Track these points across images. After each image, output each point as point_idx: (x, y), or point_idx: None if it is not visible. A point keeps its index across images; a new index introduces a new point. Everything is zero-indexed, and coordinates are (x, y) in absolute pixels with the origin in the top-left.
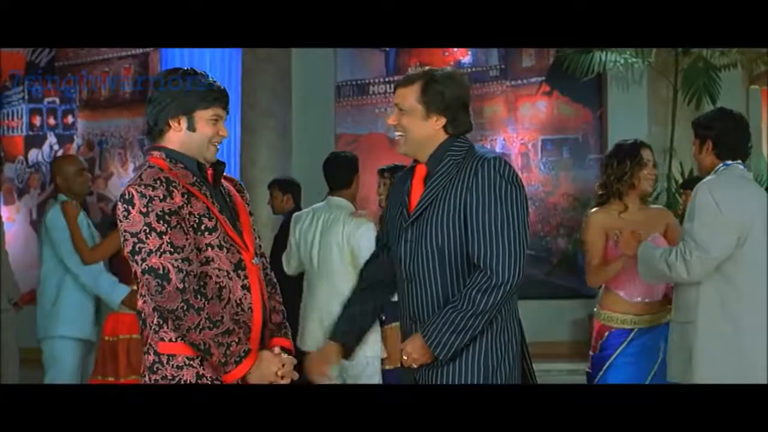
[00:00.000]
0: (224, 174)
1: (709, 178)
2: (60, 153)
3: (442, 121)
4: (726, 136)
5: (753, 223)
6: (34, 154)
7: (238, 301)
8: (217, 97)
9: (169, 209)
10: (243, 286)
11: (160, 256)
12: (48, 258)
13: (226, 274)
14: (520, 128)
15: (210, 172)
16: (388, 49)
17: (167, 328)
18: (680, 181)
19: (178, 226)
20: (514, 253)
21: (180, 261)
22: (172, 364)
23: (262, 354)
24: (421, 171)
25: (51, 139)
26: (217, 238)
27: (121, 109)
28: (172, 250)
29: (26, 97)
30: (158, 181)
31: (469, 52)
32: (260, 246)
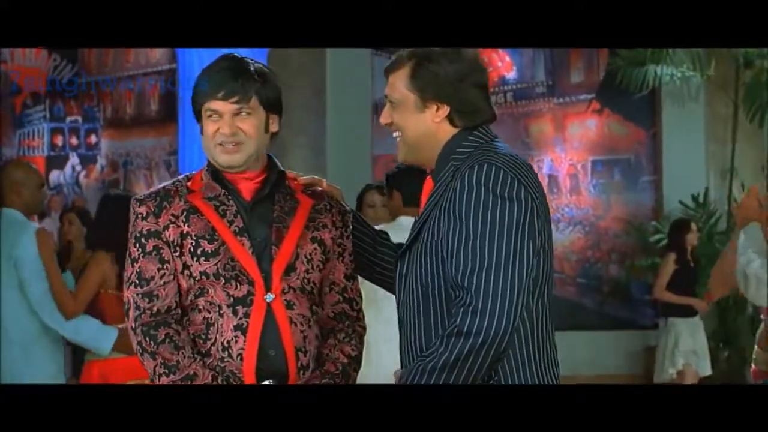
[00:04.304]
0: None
1: None
2: (83, 174)
3: (444, 110)
4: None
5: None
6: (55, 176)
7: (225, 344)
8: (207, 87)
9: (148, 230)
10: (236, 327)
11: (128, 288)
12: (12, 293)
13: (217, 309)
14: (569, 148)
15: (245, 184)
16: None
17: None
18: None
19: (154, 252)
20: (499, 289)
21: (140, 296)
22: None
23: None
24: (428, 185)
25: (73, 159)
26: (216, 265)
27: (146, 128)
28: (137, 281)
29: (47, 115)
30: (152, 195)
31: (514, 67)
32: (345, 289)
